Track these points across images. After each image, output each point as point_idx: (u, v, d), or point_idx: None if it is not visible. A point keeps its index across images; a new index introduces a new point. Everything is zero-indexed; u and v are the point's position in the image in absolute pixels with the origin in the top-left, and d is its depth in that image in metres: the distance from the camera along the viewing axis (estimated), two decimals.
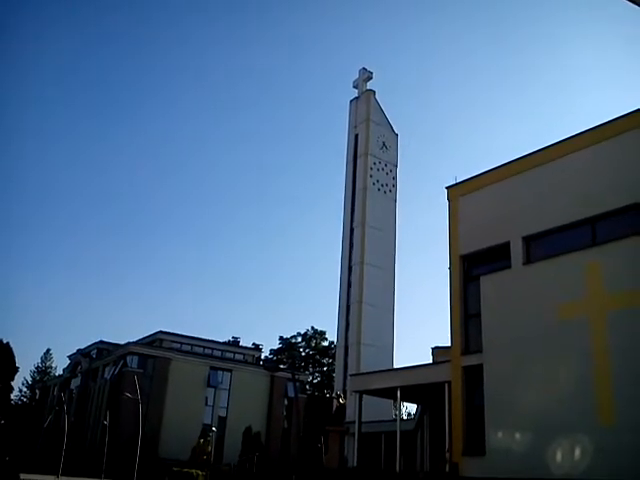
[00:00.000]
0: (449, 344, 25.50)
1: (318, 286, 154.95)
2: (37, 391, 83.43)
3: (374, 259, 53.52)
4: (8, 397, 13.08)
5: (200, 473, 38.80)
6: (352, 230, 56.57)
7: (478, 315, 23.52)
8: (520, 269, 22.71)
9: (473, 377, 23.24)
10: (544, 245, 22.68)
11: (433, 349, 38.53)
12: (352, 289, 53.03)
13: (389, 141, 62.98)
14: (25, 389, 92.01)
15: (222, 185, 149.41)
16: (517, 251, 22.96)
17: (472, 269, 25.24)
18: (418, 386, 26.99)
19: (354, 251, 54.90)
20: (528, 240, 22.99)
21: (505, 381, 21.57)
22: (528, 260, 22.73)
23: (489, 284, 23.52)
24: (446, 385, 24.50)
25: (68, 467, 44.77)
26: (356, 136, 62.37)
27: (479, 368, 22.69)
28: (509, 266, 23.08)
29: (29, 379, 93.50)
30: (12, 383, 12.72)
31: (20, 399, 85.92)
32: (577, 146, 22.11)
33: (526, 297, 21.98)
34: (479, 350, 22.93)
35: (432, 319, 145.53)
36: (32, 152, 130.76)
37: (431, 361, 34.15)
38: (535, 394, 20.45)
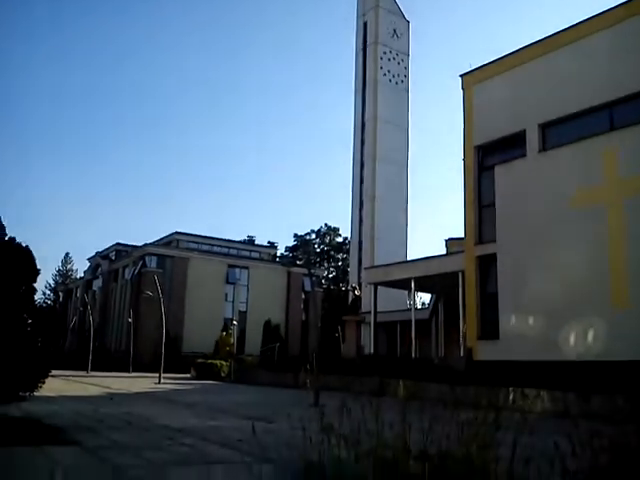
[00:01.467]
0: (463, 235, 25.77)
1: (331, 183, 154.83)
2: (60, 294, 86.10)
3: (386, 154, 52.85)
4: (32, 299, 13.57)
5: (224, 363, 40.70)
6: (363, 124, 55.45)
7: (492, 205, 23.51)
8: (535, 157, 22.38)
9: (487, 266, 23.65)
10: (560, 132, 22.17)
11: (447, 240, 38.93)
12: (364, 185, 52.78)
13: (400, 28, 60.36)
14: (48, 292, 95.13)
15: (225, 81, 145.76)
16: (533, 139, 22.54)
17: (486, 159, 24.99)
18: (432, 276, 27.49)
19: (366, 146, 54.12)
20: (544, 127, 22.49)
21: (519, 269, 21.82)
22: (544, 148, 22.35)
23: (504, 173, 23.30)
24: (460, 274, 24.98)
25: (95, 364, 47.09)
26: (365, 24, 59.75)
27: (493, 257, 22.97)
28: (524, 155, 22.75)
29: (51, 282, 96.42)
30: (35, 285, 13.20)
31: (44, 302, 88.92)
32: (596, 28, 21.04)
33: (541, 185, 21.79)
34: (493, 240, 23.11)
35: (445, 213, 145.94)
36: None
37: (445, 253, 34.49)
38: (549, 280, 20.72)
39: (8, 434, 8.89)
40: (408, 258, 41.87)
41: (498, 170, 23.42)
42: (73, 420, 12.05)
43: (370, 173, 52.27)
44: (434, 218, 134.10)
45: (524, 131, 22.82)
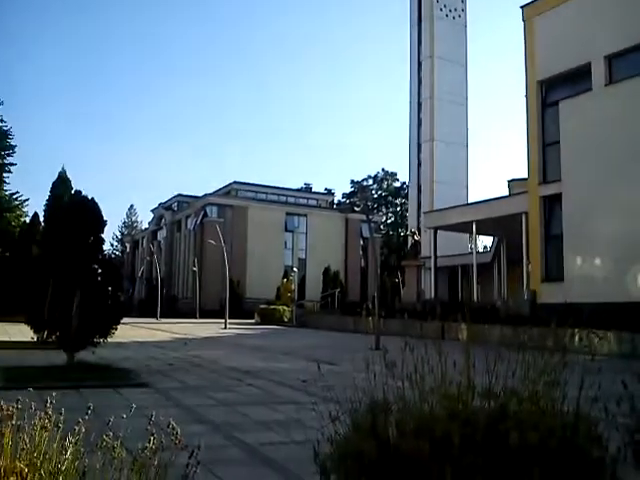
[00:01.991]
0: (526, 176, 25.10)
1: (388, 126, 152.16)
2: (127, 245, 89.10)
3: (444, 92, 51.19)
4: (101, 249, 14.04)
5: (286, 309, 41.63)
6: (420, 64, 53.67)
7: (557, 143, 22.72)
8: (602, 91, 21.30)
9: (551, 206, 23.08)
10: (628, 64, 20.96)
11: (509, 182, 37.90)
12: (422, 126, 51.50)
13: None
14: (116, 243, 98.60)
15: (291, 24, 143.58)
16: (599, 72, 21.44)
17: (550, 94, 24.05)
18: (494, 219, 26.95)
19: (423, 85, 52.48)
20: (610, 59, 21.34)
21: (586, 208, 21.10)
22: (610, 81, 21.23)
23: (568, 109, 22.33)
24: (523, 216, 24.41)
25: (163, 312, 48.96)
26: None
27: (557, 197, 22.33)
28: (590, 89, 21.69)
29: (118, 234, 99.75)
30: (102, 236, 13.62)
31: (112, 253, 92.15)
32: None
33: (609, 120, 20.78)
34: (557, 179, 22.41)
35: (508, 154, 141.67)
36: None
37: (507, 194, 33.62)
38: (617, 220, 19.99)
39: (87, 377, 9.40)
40: (469, 201, 41.03)
41: (562, 105, 22.51)
42: (145, 364, 12.60)
43: (428, 114, 50.83)
44: (496, 159, 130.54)
45: (589, 64, 21.75)
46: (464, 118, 52.51)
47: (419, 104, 52.31)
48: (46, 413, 2.02)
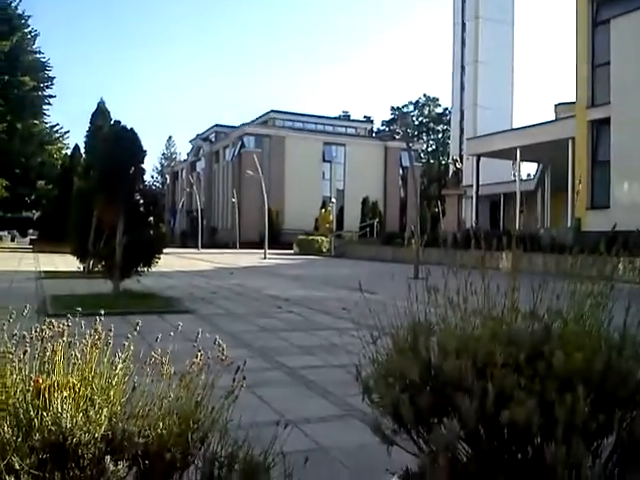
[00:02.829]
0: (574, 100, 24.16)
1: (429, 48, 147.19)
2: (167, 176, 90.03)
3: (489, 11, 48.79)
4: (142, 179, 14.19)
5: (324, 239, 41.88)
6: None
7: (607, 64, 21.66)
8: None
9: (599, 131, 22.26)
10: None
11: (556, 105, 36.53)
12: (466, 48, 49.43)
13: None
14: (156, 175, 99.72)
15: None
16: None
17: (601, 12, 22.76)
18: (539, 145, 26.17)
19: (467, 4, 50.12)
20: None
21: (635, 133, 20.26)
22: None
23: (622, 26, 21.14)
24: (570, 141, 23.63)
25: (204, 242, 49.84)
26: None
27: (606, 121, 21.49)
28: None
29: (158, 166, 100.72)
30: (143, 166, 13.74)
31: (153, 184, 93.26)
32: None
33: None
34: (607, 102, 21.48)
35: (555, 77, 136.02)
36: None
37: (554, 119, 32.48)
38: None
39: (132, 305, 9.73)
40: (513, 126, 39.79)
41: (615, 23, 21.33)
42: (188, 292, 12.95)
43: (472, 34, 48.57)
44: (543, 83, 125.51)
45: None
46: (510, 40, 50.19)
47: (463, 24, 50.01)
48: (96, 331, 2.09)
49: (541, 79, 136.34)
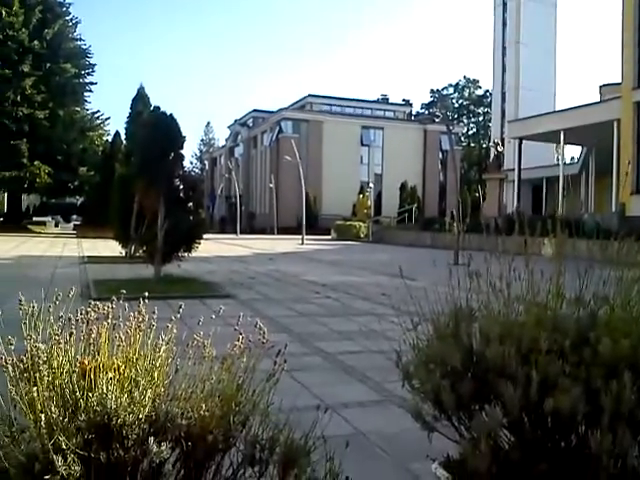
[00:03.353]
0: (620, 80, 23.44)
1: (470, 29, 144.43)
2: (206, 162, 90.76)
3: None
4: (182, 165, 14.37)
5: (362, 225, 41.76)
6: None
7: None
8: None
9: None
10: None
11: (601, 87, 35.50)
12: (507, 28, 48.41)
13: None
14: (195, 161, 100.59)
15: None
16: None
17: None
18: (583, 127, 25.49)
19: None
20: None
21: None
22: None
23: None
24: (615, 123, 22.96)
25: (242, 228, 50.27)
26: None
27: None
28: None
29: (197, 152, 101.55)
30: (182, 152, 13.90)
31: (192, 170, 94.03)
32: None
33: None
34: None
35: (600, 58, 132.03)
36: None
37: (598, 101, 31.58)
38: None
39: (173, 289, 9.88)
40: (556, 109, 38.87)
41: None
42: (228, 277, 13.09)
43: (514, 14, 47.46)
44: (587, 64, 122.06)
45: None
46: (552, 20, 48.94)
47: (504, 4, 48.94)
48: (140, 313, 2.12)
49: (585, 60, 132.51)
